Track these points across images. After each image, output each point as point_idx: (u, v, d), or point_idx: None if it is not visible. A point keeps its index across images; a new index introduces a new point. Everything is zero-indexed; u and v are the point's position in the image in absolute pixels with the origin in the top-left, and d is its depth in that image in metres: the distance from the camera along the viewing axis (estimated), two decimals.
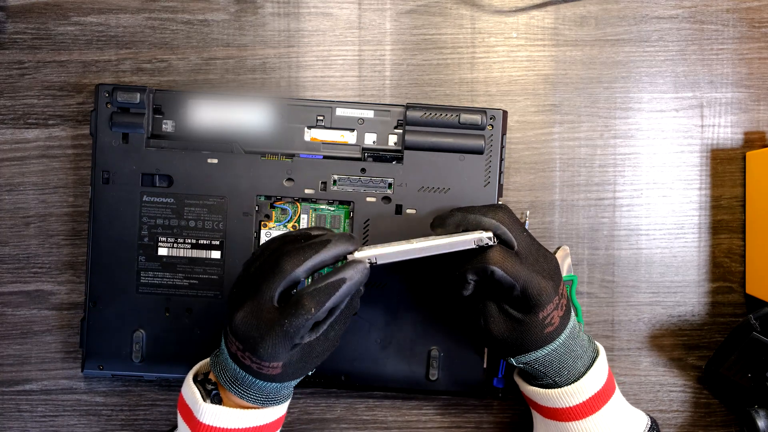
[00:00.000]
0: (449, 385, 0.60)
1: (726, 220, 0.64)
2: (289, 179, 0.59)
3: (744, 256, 0.63)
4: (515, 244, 0.50)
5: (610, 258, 0.63)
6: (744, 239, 0.63)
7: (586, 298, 0.64)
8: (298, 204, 0.60)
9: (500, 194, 0.60)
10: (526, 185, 0.63)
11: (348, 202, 0.60)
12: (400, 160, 0.59)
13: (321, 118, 0.60)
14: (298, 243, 0.49)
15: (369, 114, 0.60)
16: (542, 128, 0.63)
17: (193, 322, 0.60)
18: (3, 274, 0.63)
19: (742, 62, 0.64)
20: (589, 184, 0.63)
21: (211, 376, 0.51)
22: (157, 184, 0.59)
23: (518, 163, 0.63)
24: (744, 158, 0.63)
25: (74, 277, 0.63)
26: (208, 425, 0.49)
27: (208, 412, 0.49)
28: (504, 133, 0.59)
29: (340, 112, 0.60)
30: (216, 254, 0.60)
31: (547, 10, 0.63)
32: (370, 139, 0.60)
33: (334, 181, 0.59)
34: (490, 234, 0.49)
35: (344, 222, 0.60)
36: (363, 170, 0.59)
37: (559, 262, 0.61)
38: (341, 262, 0.49)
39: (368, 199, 0.59)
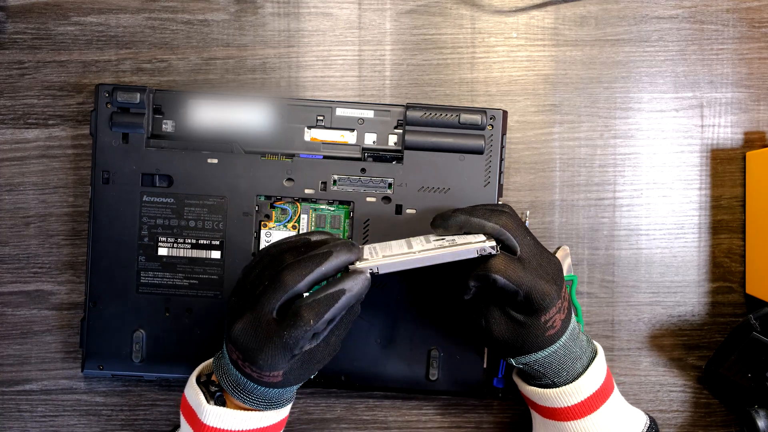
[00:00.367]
0: (449, 385, 0.60)
1: (726, 220, 0.64)
2: (289, 179, 0.59)
3: (744, 256, 0.63)
4: (518, 249, 0.50)
5: (610, 258, 0.63)
6: (744, 239, 0.63)
7: (586, 298, 0.64)
8: (298, 204, 0.60)
9: (500, 194, 0.60)
10: (526, 185, 0.63)
11: (348, 202, 0.60)
12: (400, 160, 0.59)
13: (321, 118, 0.60)
14: (298, 252, 0.48)
15: (369, 114, 0.60)
16: (542, 128, 0.63)
17: (193, 322, 0.60)
18: (3, 274, 0.63)
19: (742, 62, 0.63)
20: (589, 184, 0.63)
21: (214, 378, 0.51)
22: (157, 184, 0.59)
23: (518, 163, 0.63)
24: (744, 158, 0.63)
25: (74, 277, 0.63)
26: (212, 427, 0.49)
27: (212, 414, 0.49)
28: (504, 133, 0.59)
29: (340, 112, 0.60)
30: (216, 254, 0.60)
31: (547, 10, 0.63)
32: (370, 139, 0.60)
33: (334, 181, 0.59)
34: (493, 243, 0.49)
35: (344, 222, 0.60)
36: (363, 170, 0.59)
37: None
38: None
39: (368, 199, 0.59)
